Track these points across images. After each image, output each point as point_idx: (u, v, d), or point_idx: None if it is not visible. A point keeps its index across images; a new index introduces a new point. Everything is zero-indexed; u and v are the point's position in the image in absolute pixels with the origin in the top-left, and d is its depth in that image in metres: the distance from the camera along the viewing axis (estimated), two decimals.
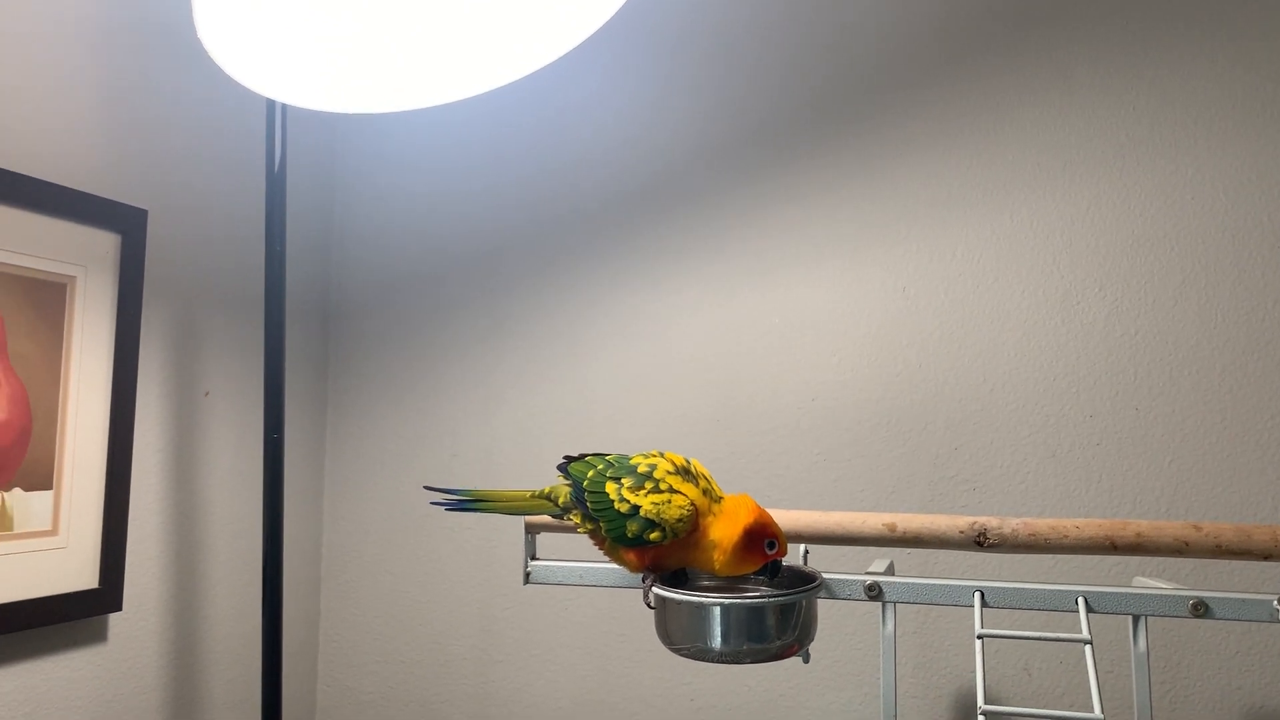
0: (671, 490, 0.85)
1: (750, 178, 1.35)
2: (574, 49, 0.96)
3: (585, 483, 0.91)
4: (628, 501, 0.86)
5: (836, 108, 1.32)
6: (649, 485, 0.86)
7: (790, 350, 1.31)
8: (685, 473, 0.88)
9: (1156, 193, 1.19)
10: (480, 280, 1.47)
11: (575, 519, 0.94)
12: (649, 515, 0.85)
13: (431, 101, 1.01)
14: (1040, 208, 1.22)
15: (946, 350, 1.25)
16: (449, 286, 1.49)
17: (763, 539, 0.85)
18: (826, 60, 1.32)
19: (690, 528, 0.85)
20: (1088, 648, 0.86)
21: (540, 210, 1.45)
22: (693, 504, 0.85)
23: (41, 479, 1.07)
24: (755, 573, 0.88)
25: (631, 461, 0.90)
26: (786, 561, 0.93)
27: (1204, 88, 1.18)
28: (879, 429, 1.27)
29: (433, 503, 0.98)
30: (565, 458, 0.97)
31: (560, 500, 0.95)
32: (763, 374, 1.32)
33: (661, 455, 0.90)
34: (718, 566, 0.85)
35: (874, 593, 0.95)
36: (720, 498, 0.88)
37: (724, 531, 0.85)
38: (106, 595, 1.13)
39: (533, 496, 0.97)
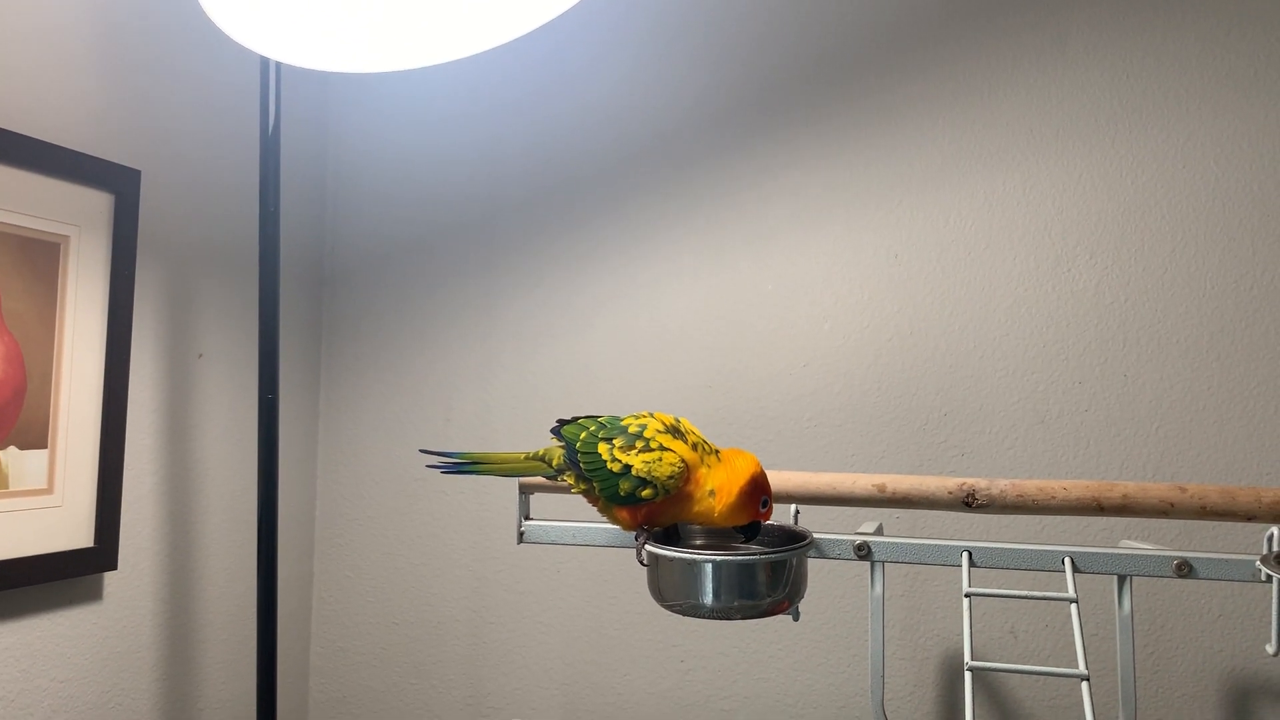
0: (662, 448, 0.87)
1: (745, 144, 1.35)
2: (571, 10, 0.96)
3: (578, 444, 0.92)
4: (620, 461, 0.87)
5: (831, 75, 1.32)
6: (639, 445, 0.87)
7: (783, 316, 1.31)
8: (675, 431, 0.89)
9: (1148, 160, 1.19)
10: (476, 244, 1.48)
11: (569, 480, 0.95)
12: (641, 474, 0.86)
13: (427, 61, 1.01)
14: (1032, 175, 1.23)
15: (937, 316, 1.25)
16: (444, 249, 1.49)
17: (761, 494, 0.86)
18: (822, 28, 1.32)
19: (682, 484, 0.86)
20: (1073, 606, 0.88)
21: (536, 174, 1.45)
22: (683, 461, 0.86)
23: (36, 438, 1.07)
24: (738, 529, 0.89)
25: (623, 422, 0.91)
26: (777, 520, 0.94)
27: (1198, 55, 1.18)
28: (869, 394, 1.28)
29: (429, 465, 0.99)
30: (559, 421, 0.98)
31: (554, 462, 0.96)
32: (756, 339, 1.32)
33: (651, 415, 0.91)
34: (717, 512, 0.86)
35: (863, 552, 0.97)
36: (716, 450, 0.89)
37: (725, 479, 0.86)
38: (102, 554, 1.14)
39: (527, 458, 0.99)
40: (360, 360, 1.52)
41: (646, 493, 0.86)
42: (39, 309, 1.07)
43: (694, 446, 0.88)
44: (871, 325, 1.28)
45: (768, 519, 0.89)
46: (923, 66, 1.28)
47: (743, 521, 0.87)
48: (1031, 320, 1.22)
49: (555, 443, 0.97)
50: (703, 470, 0.87)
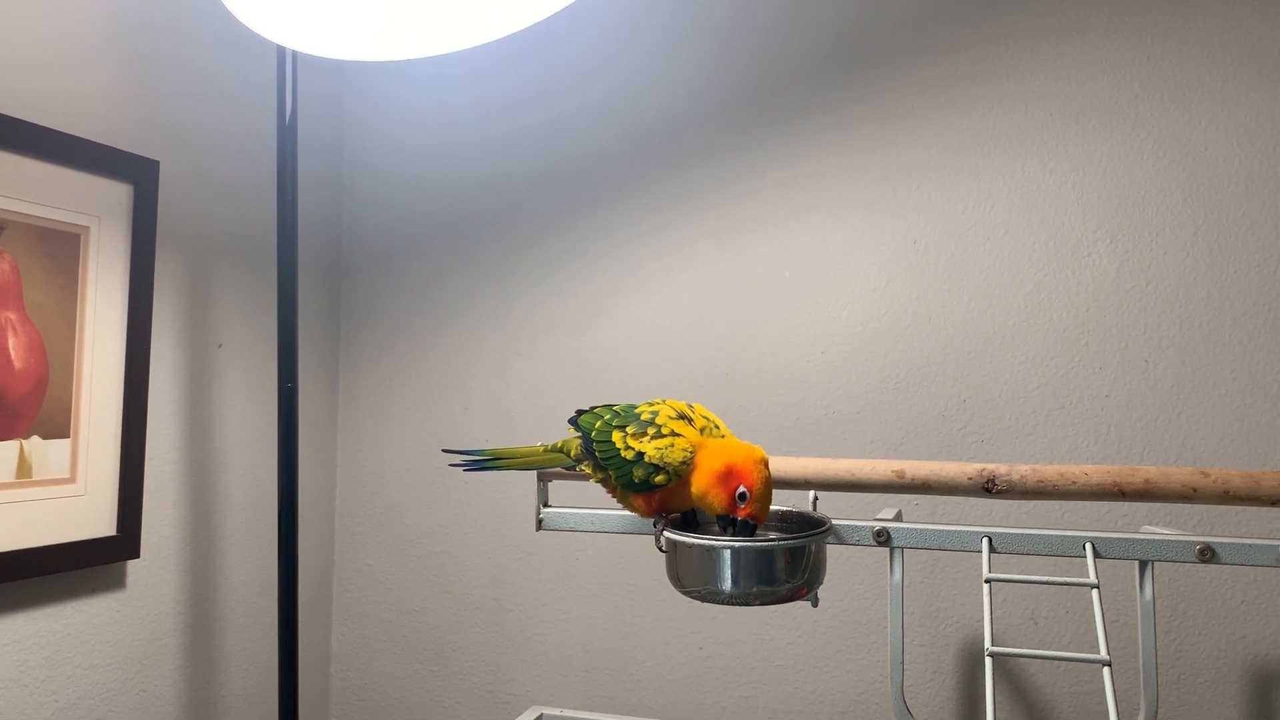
0: (674, 434, 0.87)
1: (763, 130, 1.34)
2: None
3: (593, 433, 0.93)
4: (633, 449, 0.88)
5: (847, 60, 1.31)
6: (651, 431, 0.88)
7: (801, 303, 1.31)
8: (685, 417, 0.89)
9: (1170, 143, 1.18)
10: (492, 231, 1.48)
11: (587, 469, 0.95)
12: (653, 460, 0.86)
13: (442, 49, 1.01)
14: (1052, 159, 1.22)
15: (956, 302, 1.25)
16: (460, 238, 1.49)
17: (736, 483, 0.82)
18: (841, 12, 1.31)
19: (691, 468, 0.86)
20: (1094, 592, 0.87)
21: (551, 162, 1.45)
22: (692, 445, 0.86)
23: (59, 427, 1.08)
24: (718, 518, 0.86)
25: (636, 410, 0.92)
26: (795, 507, 0.94)
27: (1219, 38, 1.17)
28: (888, 381, 1.27)
29: (451, 465, 1.00)
30: (576, 411, 0.98)
31: (572, 453, 0.97)
32: (774, 326, 1.32)
33: (664, 402, 0.92)
34: (693, 490, 0.85)
35: (882, 538, 0.96)
36: (724, 435, 0.89)
37: (709, 459, 0.85)
38: (124, 542, 1.15)
39: (546, 451, 0.99)
40: (378, 349, 1.53)
41: (660, 479, 0.86)
42: (60, 299, 1.08)
43: (701, 430, 0.88)
44: (890, 312, 1.27)
45: (744, 515, 0.82)
46: (940, 50, 1.27)
47: (715, 507, 0.84)
48: (1051, 305, 1.21)
49: (573, 433, 0.97)
50: (703, 452, 0.86)
